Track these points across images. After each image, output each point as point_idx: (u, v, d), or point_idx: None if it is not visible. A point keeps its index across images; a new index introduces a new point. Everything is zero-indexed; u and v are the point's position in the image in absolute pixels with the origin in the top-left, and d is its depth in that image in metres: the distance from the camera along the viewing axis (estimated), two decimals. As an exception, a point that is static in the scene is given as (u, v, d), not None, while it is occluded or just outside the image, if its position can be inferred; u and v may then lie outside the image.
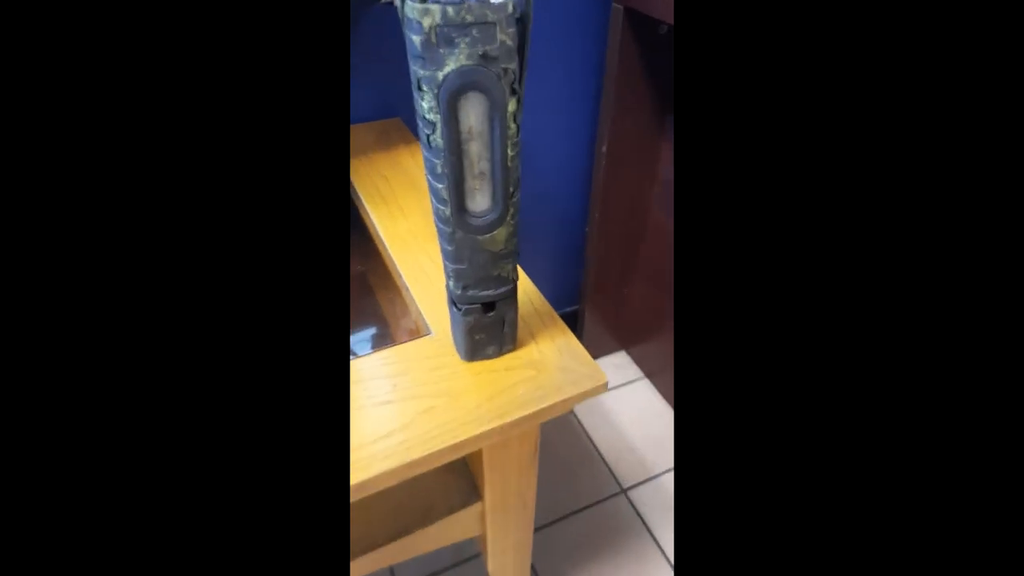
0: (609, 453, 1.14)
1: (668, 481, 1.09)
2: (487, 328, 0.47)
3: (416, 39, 0.32)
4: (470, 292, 0.44)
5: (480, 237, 0.41)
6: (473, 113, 0.35)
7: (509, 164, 0.38)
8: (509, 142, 0.37)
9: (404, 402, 0.46)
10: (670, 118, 1.01)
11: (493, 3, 0.32)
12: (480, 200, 0.39)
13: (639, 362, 1.32)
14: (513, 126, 0.36)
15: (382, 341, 0.53)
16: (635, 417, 1.21)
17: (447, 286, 0.46)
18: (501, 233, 0.41)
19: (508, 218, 0.40)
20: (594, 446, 1.15)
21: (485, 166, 0.37)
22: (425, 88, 0.34)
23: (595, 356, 1.34)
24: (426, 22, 0.31)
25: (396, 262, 0.61)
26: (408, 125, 0.89)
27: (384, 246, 0.64)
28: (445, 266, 0.44)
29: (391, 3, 0.69)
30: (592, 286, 1.22)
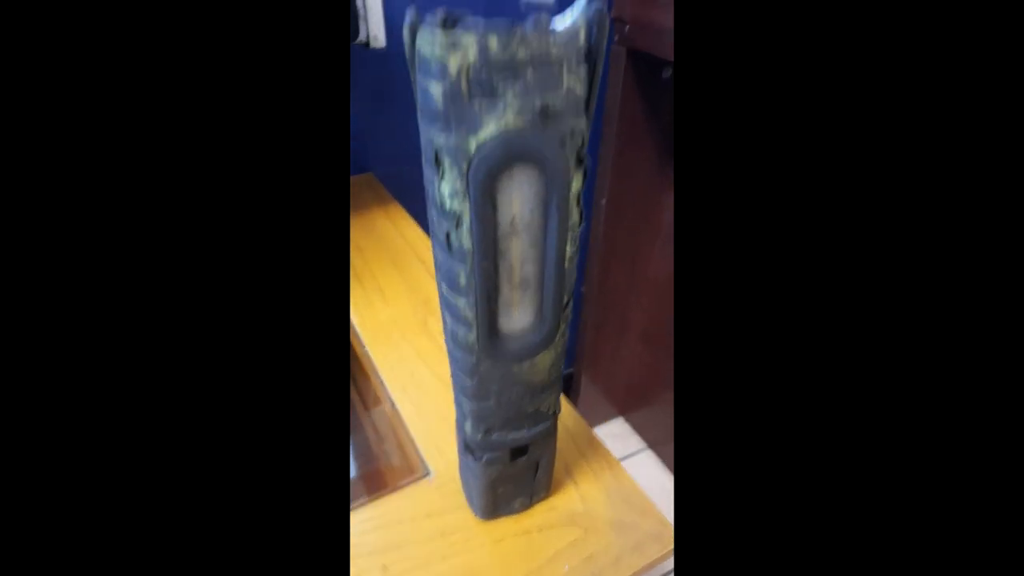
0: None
1: None
2: (515, 478, 0.34)
3: (436, 89, 0.20)
4: (494, 436, 0.31)
5: (515, 367, 0.28)
6: (519, 197, 0.23)
7: (567, 266, 0.25)
8: (570, 235, 0.24)
9: (400, 596, 0.32)
10: (673, 168, 0.92)
11: (556, 31, 0.20)
12: (519, 316, 0.26)
13: (640, 431, 1.20)
14: (576, 212, 0.24)
15: (363, 485, 0.39)
16: (642, 497, 1.07)
17: (459, 426, 0.32)
18: (545, 358, 0.28)
19: (557, 337, 0.28)
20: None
21: (531, 270, 0.25)
22: (447, 163, 0.21)
23: (592, 424, 1.21)
24: (454, 62, 0.19)
25: (377, 365, 0.47)
26: (382, 180, 0.76)
27: (359, 341, 0.50)
28: (458, 400, 0.31)
29: (365, 45, 0.57)
30: (588, 347, 1.10)
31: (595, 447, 0.40)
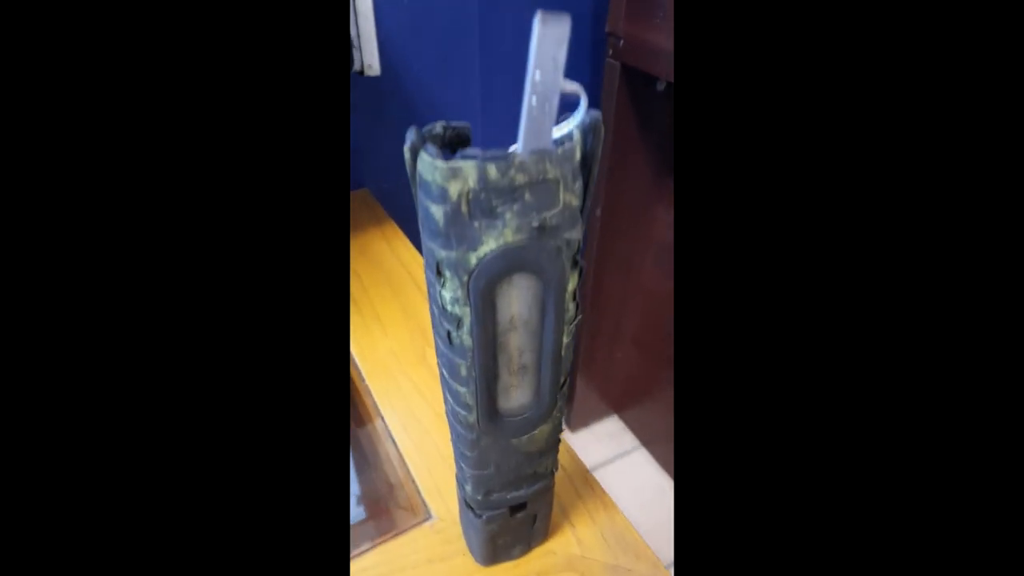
0: (611, 543, 1.02)
1: None
2: (514, 530, 0.35)
3: (437, 211, 0.20)
4: (494, 496, 0.32)
5: (514, 440, 0.29)
6: (518, 300, 0.23)
7: (563, 353, 0.26)
8: (566, 328, 0.25)
9: (405, 645, 0.33)
10: (667, 180, 0.92)
11: (553, 152, 0.20)
12: (518, 397, 0.27)
13: (634, 429, 1.22)
14: (572, 307, 0.25)
15: (366, 528, 0.40)
16: (635, 497, 1.10)
17: (459, 483, 0.33)
18: (543, 430, 0.29)
19: (554, 412, 0.29)
20: (595, 538, 1.03)
21: (529, 358, 0.26)
22: (448, 274, 0.22)
23: (586, 423, 1.23)
24: (454, 188, 0.20)
25: (377, 399, 0.48)
26: (377, 197, 0.76)
27: (359, 373, 0.51)
28: (459, 464, 0.32)
29: (360, 72, 0.57)
30: (583, 350, 1.12)
31: (591, 486, 0.42)
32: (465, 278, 0.22)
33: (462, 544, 0.38)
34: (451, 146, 0.22)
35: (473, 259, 0.21)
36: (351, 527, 0.40)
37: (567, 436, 1.22)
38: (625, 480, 1.13)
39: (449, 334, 0.24)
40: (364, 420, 0.48)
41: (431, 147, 0.20)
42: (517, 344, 0.25)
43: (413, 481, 0.42)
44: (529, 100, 0.17)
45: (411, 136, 0.20)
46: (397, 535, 0.39)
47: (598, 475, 1.12)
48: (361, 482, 0.44)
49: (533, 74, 0.17)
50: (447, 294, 0.22)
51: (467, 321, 0.23)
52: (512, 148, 0.20)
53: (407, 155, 0.21)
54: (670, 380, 1.09)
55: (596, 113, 0.21)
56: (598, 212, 0.90)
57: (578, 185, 0.21)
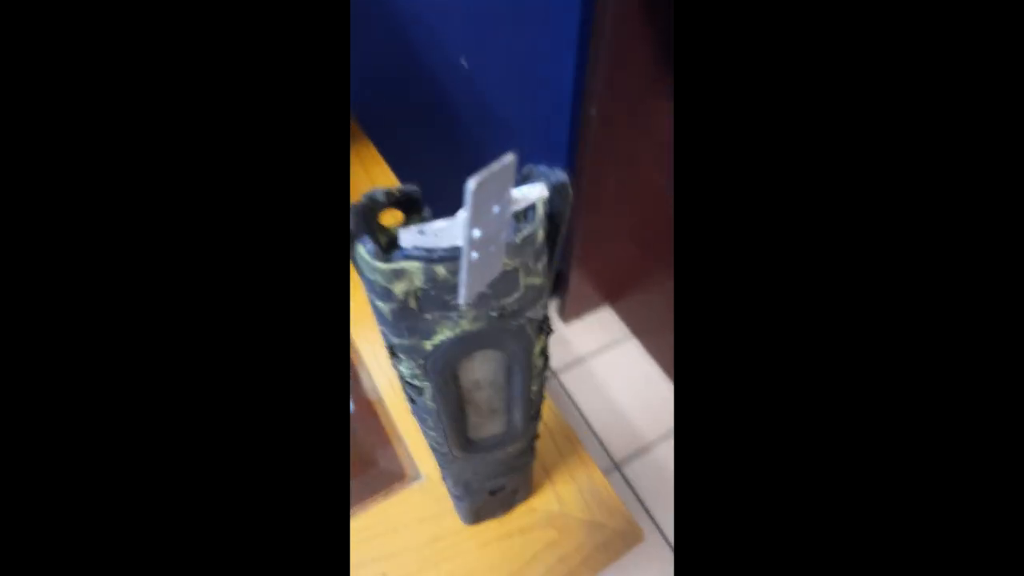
0: (600, 426, 1.11)
1: (661, 452, 1.07)
2: (496, 503, 0.37)
3: (383, 307, 0.18)
4: (474, 487, 0.33)
5: (488, 455, 0.29)
6: (481, 368, 0.22)
7: (533, 397, 0.25)
8: (535, 380, 0.24)
9: (400, 599, 0.37)
10: (670, 73, 0.83)
11: (512, 243, 0.17)
12: (489, 429, 0.27)
13: (625, 319, 1.25)
14: (540, 362, 0.23)
15: (355, 491, 0.42)
16: (625, 383, 1.16)
17: (442, 474, 0.35)
18: (518, 446, 0.29)
19: (530, 428, 0.29)
20: (585, 420, 1.11)
21: (499, 405, 0.25)
22: (403, 356, 0.20)
23: (580, 314, 1.26)
24: (399, 288, 0.17)
25: (363, 356, 0.48)
26: (365, 128, 0.69)
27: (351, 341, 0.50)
28: (439, 461, 0.32)
29: None
30: (578, 244, 1.10)
31: (573, 445, 0.44)
32: (421, 361, 0.20)
33: (450, 504, 0.41)
34: (403, 208, 0.19)
35: (428, 346, 0.19)
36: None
37: (560, 328, 1.25)
38: (616, 368, 1.19)
39: (412, 398, 0.23)
40: (352, 380, 0.49)
41: (368, 243, 0.17)
42: (485, 398, 0.24)
43: (401, 441, 0.44)
44: (468, 256, 0.14)
45: (352, 220, 0.17)
46: (387, 495, 0.41)
47: (590, 364, 1.17)
48: (352, 443, 0.46)
49: (470, 233, 0.14)
50: (405, 369, 0.21)
51: (428, 391, 0.22)
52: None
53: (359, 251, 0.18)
54: (664, 273, 1.09)
55: (562, 177, 0.18)
56: (593, 112, 0.83)
57: (541, 264, 0.19)
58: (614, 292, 1.26)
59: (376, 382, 0.47)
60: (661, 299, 1.12)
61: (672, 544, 0.96)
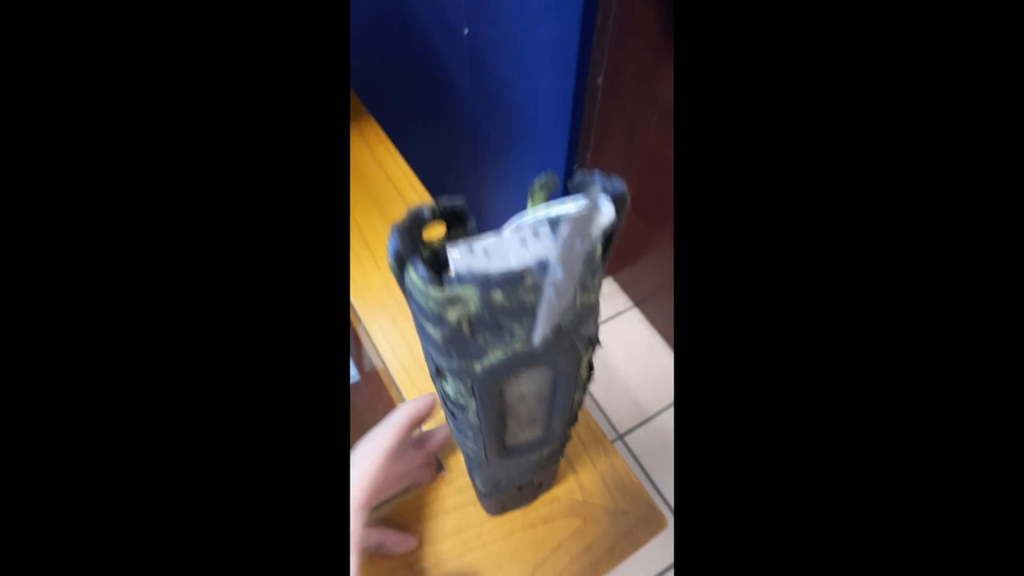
0: (604, 397, 1.11)
1: (662, 422, 1.08)
2: (521, 497, 0.37)
3: (434, 331, 0.17)
4: (503, 485, 0.33)
5: (521, 458, 0.29)
6: (528, 382, 0.21)
7: (575, 407, 0.24)
8: (579, 391, 0.23)
9: (427, 592, 0.37)
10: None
11: (561, 268, 0.16)
12: (526, 435, 0.26)
13: (627, 289, 1.25)
14: (586, 373, 0.22)
15: (380, 479, 0.42)
16: (627, 353, 1.17)
17: (469, 472, 0.34)
18: (551, 447, 0.29)
19: (566, 435, 0.28)
20: (588, 392, 1.11)
21: (540, 415, 0.24)
22: (450, 377, 0.19)
23: (582, 289, 1.25)
24: (453, 315, 0.16)
25: (376, 343, 0.47)
26: (363, 100, 0.66)
27: (355, 314, 0.49)
28: (467, 463, 0.32)
29: None
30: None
31: (594, 434, 0.43)
32: (469, 381, 0.19)
33: (472, 494, 0.40)
34: (447, 222, 0.18)
35: (478, 367, 0.18)
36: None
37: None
38: (619, 338, 1.19)
39: (454, 414, 0.22)
40: (364, 365, 0.48)
41: (420, 267, 0.16)
42: (527, 410, 0.23)
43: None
44: (548, 299, 0.13)
45: (393, 243, 0.16)
46: (408, 489, 0.41)
47: (593, 339, 1.17)
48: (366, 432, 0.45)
49: (554, 272, 0.13)
50: (449, 389, 0.20)
51: (472, 408, 0.21)
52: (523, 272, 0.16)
53: (391, 264, 0.17)
54: (665, 242, 1.08)
55: (621, 188, 0.17)
56: (599, 80, 0.80)
57: (596, 279, 0.18)
58: (616, 262, 1.25)
59: (392, 372, 0.46)
60: (662, 269, 1.11)
61: (673, 508, 0.98)
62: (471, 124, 0.85)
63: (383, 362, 0.47)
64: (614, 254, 1.21)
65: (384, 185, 0.57)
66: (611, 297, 1.25)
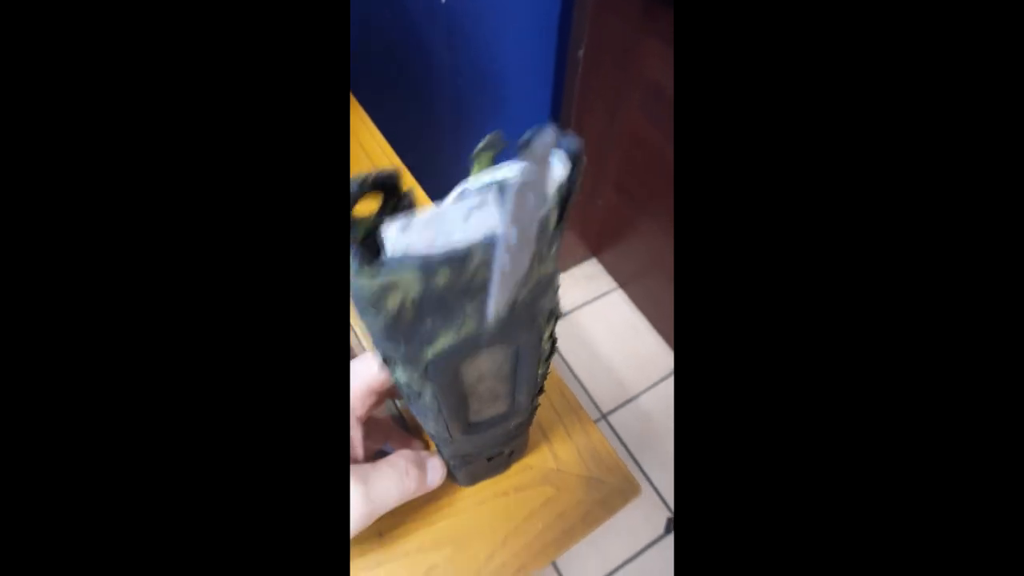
0: (587, 377, 1.13)
1: (646, 402, 1.10)
2: (492, 466, 0.38)
3: (375, 321, 0.17)
4: (472, 457, 0.34)
5: (487, 432, 0.29)
6: (487, 363, 0.21)
7: (539, 380, 0.25)
8: (542, 364, 0.24)
9: (397, 561, 0.38)
10: (662, 10, 0.79)
11: (515, 230, 0.16)
12: (492, 411, 0.27)
13: (611, 270, 1.26)
14: (548, 346, 0.23)
15: (357, 454, 0.43)
16: (610, 334, 1.18)
17: (437, 445, 0.35)
18: (519, 419, 0.30)
19: (533, 406, 0.29)
20: (572, 372, 1.13)
21: (503, 392, 0.25)
22: (401, 366, 0.19)
23: (566, 267, 1.26)
24: (392, 301, 0.16)
25: (355, 324, 0.48)
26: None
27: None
28: (434, 439, 0.33)
29: None
30: (562, 198, 1.09)
31: (567, 401, 0.44)
32: (421, 367, 0.19)
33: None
34: (382, 189, 0.17)
35: (429, 353, 0.19)
36: (342, 454, 0.43)
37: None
38: (602, 319, 1.20)
39: (410, 398, 0.22)
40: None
41: (352, 247, 0.16)
42: (488, 388, 0.24)
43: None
44: (501, 267, 0.13)
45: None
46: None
47: (576, 316, 1.18)
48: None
49: (507, 236, 0.13)
50: (401, 378, 0.20)
51: (428, 392, 0.21)
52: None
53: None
54: (649, 222, 1.08)
55: (577, 145, 0.17)
56: (580, 53, 0.80)
57: (553, 250, 0.18)
58: (599, 243, 1.25)
59: (363, 344, 0.46)
60: (646, 249, 1.12)
61: (658, 489, 1.01)
62: (449, 96, 0.84)
63: (362, 345, 0.47)
64: (597, 235, 1.21)
65: (360, 159, 0.57)
66: (595, 278, 1.26)
